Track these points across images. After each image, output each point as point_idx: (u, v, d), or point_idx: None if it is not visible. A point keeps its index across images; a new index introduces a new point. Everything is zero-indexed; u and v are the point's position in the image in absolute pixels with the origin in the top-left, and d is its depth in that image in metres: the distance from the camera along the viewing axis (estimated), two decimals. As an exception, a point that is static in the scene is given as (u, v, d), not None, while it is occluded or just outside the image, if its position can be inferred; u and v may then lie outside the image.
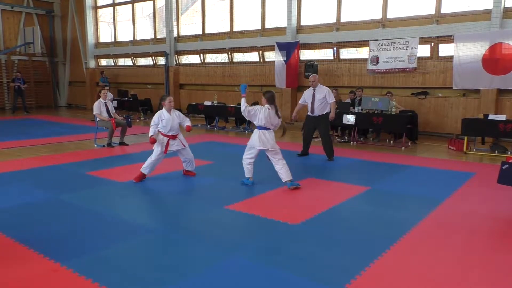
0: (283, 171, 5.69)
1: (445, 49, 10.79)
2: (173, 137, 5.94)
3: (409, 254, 3.54)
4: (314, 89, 7.66)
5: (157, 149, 5.89)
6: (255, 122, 5.69)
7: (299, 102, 7.99)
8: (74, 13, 20.16)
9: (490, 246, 3.79)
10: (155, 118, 5.87)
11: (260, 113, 5.59)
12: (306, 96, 7.80)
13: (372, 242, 3.79)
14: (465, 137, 8.64)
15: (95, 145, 9.04)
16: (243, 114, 5.70)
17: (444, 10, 10.70)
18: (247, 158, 5.83)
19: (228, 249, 3.60)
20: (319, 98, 7.57)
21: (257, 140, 5.64)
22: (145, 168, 5.90)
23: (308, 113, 7.81)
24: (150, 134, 5.80)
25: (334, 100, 7.75)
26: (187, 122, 6.11)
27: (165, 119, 5.86)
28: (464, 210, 4.79)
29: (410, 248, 3.67)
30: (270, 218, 4.40)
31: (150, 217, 4.59)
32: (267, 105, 5.62)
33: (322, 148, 7.76)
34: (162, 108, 5.98)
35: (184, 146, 6.09)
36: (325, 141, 7.71)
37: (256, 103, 12.53)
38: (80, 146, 9.07)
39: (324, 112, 7.65)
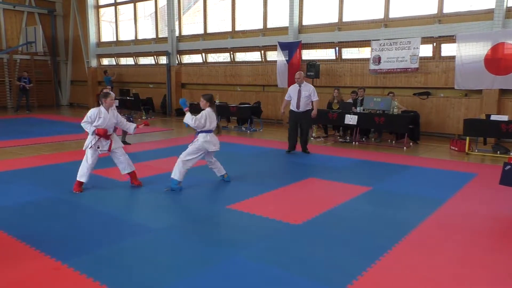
0: (220, 166, 5.90)
1: (447, 49, 10.76)
2: (107, 137, 5.46)
3: (411, 255, 3.54)
4: (300, 86, 8.03)
5: (91, 152, 5.42)
6: (205, 128, 5.48)
7: (285, 98, 8.38)
8: (76, 12, 20.19)
9: (492, 246, 3.78)
10: (91, 115, 5.33)
11: (209, 118, 5.49)
12: (291, 92, 8.16)
13: (373, 243, 3.78)
14: (467, 138, 8.62)
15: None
16: (193, 126, 5.44)
17: (446, 10, 10.67)
18: (190, 161, 5.49)
19: (229, 249, 3.60)
20: (305, 95, 7.98)
21: (209, 143, 5.50)
22: (81, 176, 5.41)
23: (293, 109, 8.16)
24: (90, 131, 5.35)
25: (318, 98, 8.21)
26: (132, 127, 5.75)
27: (102, 117, 5.37)
28: (465, 210, 4.78)
29: (412, 249, 3.66)
30: (272, 218, 4.40)
31: (151, 216, 4.59)
32: (209, 108, 5.53)
33: (323, 149, 7.79)
34: (100, 106, 5.47)
35: (116, 147, 5.57)
36: (304, 135, 8.26)
37: (258, 103, 12.61)
38: (81, 145, 9.03)
39: (307, 109, 8.09)
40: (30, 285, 2.95)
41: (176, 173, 5.44)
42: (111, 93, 5.63)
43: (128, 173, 5.70)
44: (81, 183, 5.43)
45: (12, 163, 7.12)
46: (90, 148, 5.42)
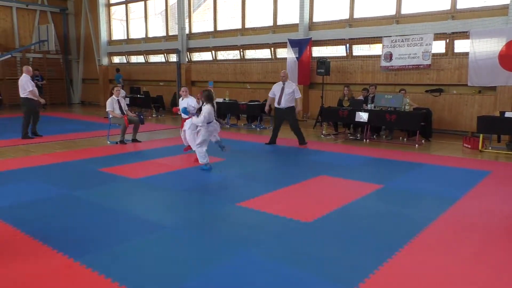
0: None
1: (460, 45, 10.60)
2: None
3: (424, 253, 3.49)
4: (284, 84, 8.53)
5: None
6: (207, 121, 6.32)
7: (269, 95, 8.88)
8: (87, 11, 20.35)
9: (506, 245, 3.70)
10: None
11: (211, 114, 6.33)
12: (275, 90, 8.70)
13: (385, 241, 3.74)
14: (481, 135, 8.50)
15: (108, 142, 9.11)
16: (202, 124, 6.35)
17: (460, 5, 10.51)
18: (204, 149, 6.41)
19: (240, 246, 3.59)
20: (287, 92, 8.45)
21: (211, 131, 6.50)
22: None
23: (276, 105, 8.67)
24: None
25: (301, 96, 8.78)
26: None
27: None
28: (479, 208, 4.71)
29: (425, 247, 3.62)
30: (282, 216, 4.38)
31: (162, 214, 4.60)
32: (208, 105, 6.32)
33: (333, 146, 7.75)
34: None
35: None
36: (294, 129, 8.65)
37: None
38: (93, 143, 9.16)
39: (291, 105, 8.53)
40: (43, 282, 2.97)
41: (201, 159, 6.44)
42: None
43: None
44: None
45: (25, 160, 7.20)
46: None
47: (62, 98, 21.13)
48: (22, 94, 9.27)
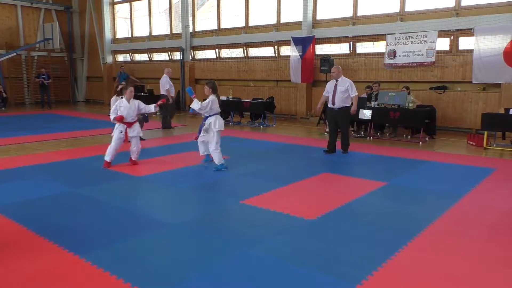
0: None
1: (465, 43, 10.56)
2: (130, 124, 6.46)
3: (427, 250, 3.50)
4: (337, 81, 7.53)
5: (116, 136, 6.40)
6: (212, 112, 6.23)
7: (323, 93, 7.87)
8: (92, 9, 20.41)
9: (511, 242, 3.70)
10: (113, 107, 6.44)
11: (214, 103, 6.24)
12: (328, 88, 7.69)
13: (389, 238, 3.75)
14: (485, 132, 8.47)
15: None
16: (199, 111, 6.22)
17: (464, 2, 10.46)
18: (219, 145, 6.30)
19: (244, 243, 3.61)
20: (341, 90, 7.44)
21: (221, 124, 6.30)
22: (107, 155, 6.45)
23: (329, 105, 7.69)
24: (113, 116, 6.34)
25: (357, 93, 7.62)
26: (152, 107, 6.64)
27: (123, 106, 6.36)
28: (484, 206, 4.70)
29: (428, 244, 3.62)
30: (286, 213, 4.39)
31: (166, 211, 4.63)
32: (212, 95, 6.24)
33: (337, 144, 7.74)
34: (119, 96, 6.64)
35: (131, 135, 6.52)
36: (343, 135, 7.74)
37: (272, 98, 12.58)
38: (97, 141, 9.21)
39: (345, 105, 7.52)
40: (48, 279, 3.01)
41: (218, 160, 6.33)
42: (130, 86, 6.60)
43: (132, 159, 6.71)
44: (107, 162, 6.47)
45: (31, 158, 7.25)
46: (114, 132, 6.42)
47: (66, 96, 21.22)
48: (162, 91, 10.97)
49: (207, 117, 6.29)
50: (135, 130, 6.52)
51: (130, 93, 6.44)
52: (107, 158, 6.45)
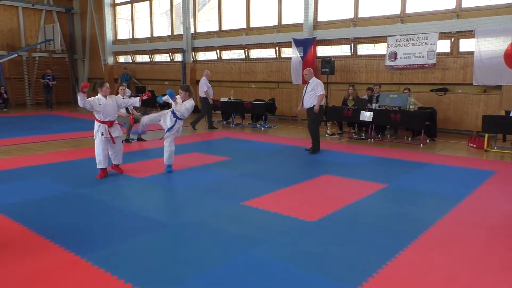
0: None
1: (465, 45, 10.56)
2: (110, 123, 5.94)
3: (428, 253, 3.49)
4: (308, 83, 7.87)
5: (98, 140, 5.89)
6: (186, 115, 6.11)
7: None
8: (93, 10, 20.44)
9: (511, 245, 3.70)
10: (90, 102, 5.71)
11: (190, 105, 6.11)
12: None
13: (389, 240, 3.75)
14: (486, 135, 8.46)
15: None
16: (181, 117, 6.07)
17: (465, 4, 10.46)
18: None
19: (244, 245, 3.61)
20: (308, 90, 7.78)
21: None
22: (99, 163, 5.92)
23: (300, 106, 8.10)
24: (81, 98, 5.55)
25: (323, 92, 7.77)
26: (136, 100, 6.34)
27: (102, 103, 5.85)
28: (484, 208, 4.70)
29: (429, 247, 3.62)
30: (287, 215, 4.40)
31: (167, 212, 4.64)
32: (191, 99, 6.09)
33: (338, 145, 7.74)
34: (97, 95, 6.00)
35: (115, 135, 6.03)
36: (311, 134, 7.94)
37: (273, 99, 12.58)
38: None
39: (313, 105, 7.76)
40: (49, 279, 3.01)
41: (171, 160, 6.23)
42: (106, 83, 6.18)
43: (114, 165, 6.24)
44: (102, 169, 5.97)
45: (32, 159, 7.26)
46: (95, 136, 5.94)
47: (67, 97, 21.23)
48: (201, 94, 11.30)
49: (177, 120, 6.09)
50: (117, 130, 6.06)
51: (107, 90, 5.96)
52: (100, 166, 5.92)
